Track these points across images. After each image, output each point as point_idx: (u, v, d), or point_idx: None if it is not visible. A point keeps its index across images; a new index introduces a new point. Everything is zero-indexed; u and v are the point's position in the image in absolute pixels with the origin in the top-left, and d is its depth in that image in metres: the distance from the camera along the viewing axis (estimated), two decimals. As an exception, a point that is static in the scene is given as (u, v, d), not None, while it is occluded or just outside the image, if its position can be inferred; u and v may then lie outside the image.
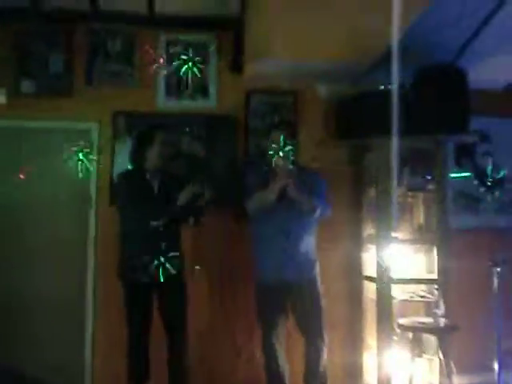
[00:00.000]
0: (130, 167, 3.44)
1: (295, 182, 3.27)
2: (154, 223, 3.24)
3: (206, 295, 3.81)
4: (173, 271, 3.23)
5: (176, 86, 3.91)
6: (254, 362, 3.72)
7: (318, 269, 3.45)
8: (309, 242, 3.42)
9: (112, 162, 3.82)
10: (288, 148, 3.36)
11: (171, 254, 3.24)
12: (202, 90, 3.93)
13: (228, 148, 3.91)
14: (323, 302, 3.41)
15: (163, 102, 3.90)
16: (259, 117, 3.96)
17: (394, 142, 3.35)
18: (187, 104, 3.92)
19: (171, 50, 3.87)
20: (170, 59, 3.84)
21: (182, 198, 3.25)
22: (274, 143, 3.42)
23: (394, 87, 3.31)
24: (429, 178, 3.72)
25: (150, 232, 3.24)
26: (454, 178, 3.97)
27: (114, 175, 3.70)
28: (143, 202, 3.29)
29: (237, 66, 3.90)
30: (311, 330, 3.41)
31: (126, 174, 3.44)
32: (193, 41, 3.90)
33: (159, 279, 3.19)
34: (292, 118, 3.97)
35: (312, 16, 3.08)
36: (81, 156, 3.66)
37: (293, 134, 3.52)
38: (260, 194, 3.34)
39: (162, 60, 3.86)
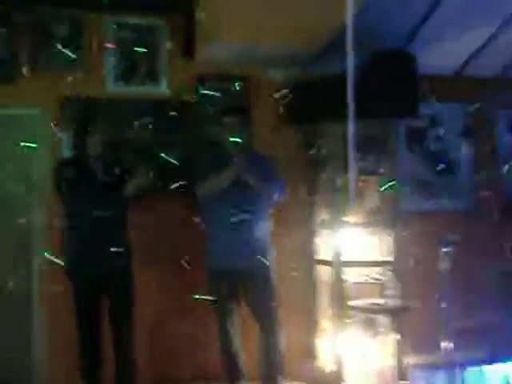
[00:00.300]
0: (70, 154, 3.34)
1: (250, 168, 3.25)
2: (97, 212, 3.10)
3: (158, 285, 3.76)
4: (120, 262, 3.18)
5: (125, 70, 3.82)
6: (210, 350, 3.71)
7: (271, 254, 3.44)
8: (262, 228, 3.40)
9: (58, 149, 3.70)
10: (241, 133, 3.37)
11: (117, 244, 3.17)
12: (152, 75, 3.86)
13: (179, 134, 3.85)
14: (277, 288, 3.40)
15: (112, 88, 3.79)
16: (209, 103, 3.91)
17: (350, 126, 3.38)
18: (137, 89, 3.83)
19: (120, 34, 3.79)
20: (119, 43, 3.83)
21: (130, 189, 3.19)
22: (227, 128, 3.42)
23: (350, 71, 3.33)
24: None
25: (95, 222, 3.12)
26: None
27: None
28: (85, 191, 3.17)
29: (188, 51, 3.84)
30: (265, 317, 3.38)
31: (64, 162, 3.34)
32: (142, 24, 3.83)
33: (106, 270, 3.14)
34: (244, 103, 3.95)
35: (260, 1, 3.07)
36: (25, 143, 3.60)
37: (246, 120, 3.50)
38: (212, 180, 3.30)
39: (110, 44, 3.80)
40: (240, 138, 3.35)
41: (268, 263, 3.40)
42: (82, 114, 3.43)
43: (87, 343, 3.26)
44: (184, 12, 3.78)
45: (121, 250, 3.17)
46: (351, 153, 3.45)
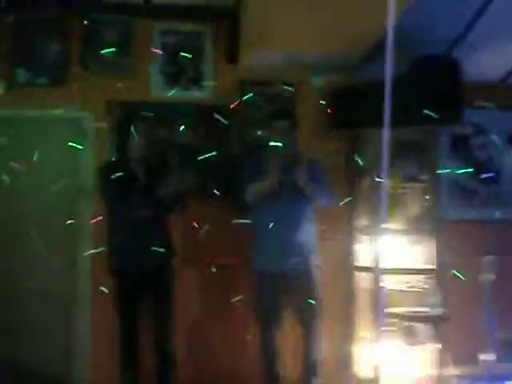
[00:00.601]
0: (113, 158, 3.43)
1: (303, 170, 3.28)
2: (137, 212, 3.20)
3: (199, 285, 3.81)
4: (161, 261, 3.26)
5: (171, 75, 3.90)
6: (246, 352, 3.73)
7: (317, 259, 3.46)
8: (308, 232, 3.42)
9: (107, 151, 3.80)
10: (290, 137, 3.39)
11: (159, 244, 3.24)
12: (197, 80, 3.93)
13: (223, 138, 3.90)
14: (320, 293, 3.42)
15: (157, 92, 3.88)
16: (254, 107, 3.96)
17: (385, 133, 3.36)
18: (182, 94, 3.90)
19: (166, 40, 3.88)
20: (165, 49, 3.92)
21: (164, 186, 3.25)
22: (275, 132, 3.45)
23: (387, 77, 3.32)
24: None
25: (137, 223, 3.21)
26: (450, 173, 3.98)
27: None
28: (127, 192, 3.24)
29: (232, 57, 3.89)
30: (308, 320, 3.41)
31: (108, 165, 3.43)
32: (188, 30, 3.91)
33: (148, 269, 3.21)
34: (291, 108, 3.96)
35: (305, 7, 3.09)
36: (76, 145, 3.72)
37: (294, 124, 3.51)
38: (254, 186, 3.35)
39: (157, 49, 3.89)
40: (288, 142, 3.38)
41: (314, 267, 3.43)
42: (125, 117, 3.50)
43: (128, 340, 3.33)
44: (229, 18, 3.85)
45: (162, 249, 3.24)
46: (385, 159, 3.45)
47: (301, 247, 3.37)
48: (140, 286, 3.33)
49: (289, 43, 3.49)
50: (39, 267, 3.77)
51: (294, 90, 3.99)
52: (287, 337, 3.51)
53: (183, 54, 3.85)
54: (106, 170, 3.36)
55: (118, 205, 3.29)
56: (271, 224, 3.29)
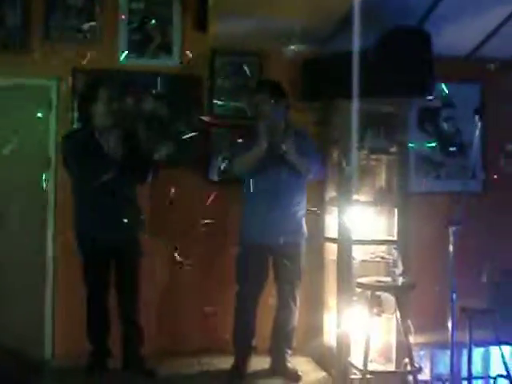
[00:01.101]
0: (76, 126, 3.35)
1: (291, 143, 3.26)
2: (103, 177, 3.14)
3: (169, 257, 3.78)
4: (128, 231, 3.24)
5: (139, 42, 3.81)
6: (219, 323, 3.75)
7: (305, 233, 3.49)
8: (298, 204, 3.42)
9: (72, 120, 3.72)
10: (279, 106, 3.37)
11: (126, 214, 3.22)
12: (165, 47, 3.85)
13: (192, 108, 3.85)
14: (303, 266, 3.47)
15: (125, 59, 3.79)
16: (224, 77, 3.91)
17: (355, 103, 3.39)
18: (150, 61, 3.83)
19: (133, 6, 3.78)
20: (132, 15, 3.81)
21: (135, 155, 3.22)
22: (262, 102, 3.40)
23: (356, 49, 3.32)
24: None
25: (104, 194, 3.17)
26: (418, 146, 4.03)
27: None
28: (92, 160, 3.16)
29: (201, 25, 3.81)
30: (288, 293, 3.44)
31: (72, 134, 3.35)
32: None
33: (114, 238, 3.19)
34: (257, 79, 3.93)
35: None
36: (39, 114, 3.62)
37: (279, 92, 3.45)
38: (241, 157, 3.32)
39: (123, 16, 3.78)
40: (275, 112, 3.35)
41: (303, 240, 3.46)
42: (90, 84, 3.39)
43: (95, 307, 3.33)
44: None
45: (128, 220, 3.22)
46: (354, 130, 3.47)
47: (291, 221, 3.38)
48: (106, 255, 3.30)
49: (257, 10, 3.43)
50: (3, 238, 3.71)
51: (259, 59, 3.94)
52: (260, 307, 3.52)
53: (150, 20, 3.76)
54: (70, 140, 3.28)
55: (83, 176, 3.21)
56: (258, 196, 3.30)
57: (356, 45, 3.39)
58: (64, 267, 3.70)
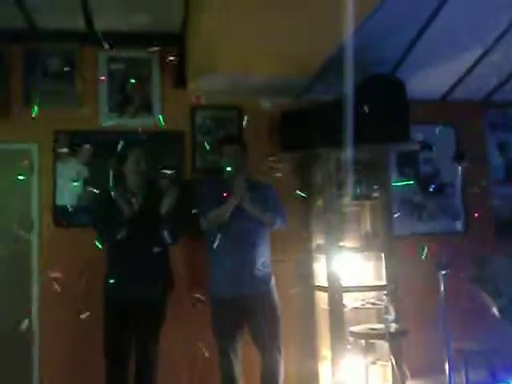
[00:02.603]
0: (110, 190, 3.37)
1: (249, 196, 3.31)
2: (116, 236, 3.19)
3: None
4: (155, 292, 3.26)
5: (119, 103, 3.85)
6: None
7: (273, 281, 3.46)
8: (264, 254, 3.42)
9: (54, 182, 3.72)
10: (240, 162, 3.40)
11: (155, 275, 3.25)
12: (145, 106, 3.89)
13: (175, 164, 3.87)
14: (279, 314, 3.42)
15: (106, 120, 3.81)
16: (205, 132, 3.96)
17: (349, 151, 3.46)
18: (131, 121, 3.85)
19: (112, 67, 3.83)
20: (111, 76, 3.86)
21: (165, 206, 3.26)
22: (226, 157, 3.45)
23: (347, 97, 3.40)
24: (375, 187, 3.79)
25: (138, 256, 3.21)
26: (397, 185, 4.09)
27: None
28: (127, 225, 3.22)
29: (180, 82, 3.88)
30: (268, 343, 3.38)
31: (106, 197, 3.35)
32: (135, 57, 3.87)
33: (140, 303, 3.20)
34: (237, 132, 3.99)
35: (252, 32, 3.12)
36: (21, 178, 3.60)
37: (243, 148, 3.53)
38: (216, 211, 3.34)
39: (103, 77, 3.83)
40: (238, 167, 3.40)
41: (272, 289, 3.43)
42: (123, 147, 3.44)
43: (116, 368, 3.29)
44: (176, 43, 3.84)
45: (156, 281, 3.27)
46: (350, 177, 3.50)
47: (256, 271, 3.36)
48: (130, 314, 3.27)
49: (235, 67, 3.52)
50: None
51: (238, 114, 4.00)
52: (249, 362, 3.46)
53: (131, 81, 3.81)
54: (105, 203, 3.33)
55: (117, 237, 3.23)
56: (224, 250, 3.29)
57: (336, 94, 3.47)
58: (51, 335, 3.62)
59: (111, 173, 3.40)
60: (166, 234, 3.30)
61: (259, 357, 3.39)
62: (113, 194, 3.29)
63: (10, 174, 3.63)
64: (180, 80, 3.88)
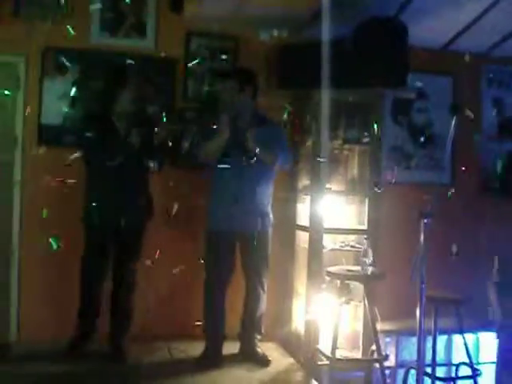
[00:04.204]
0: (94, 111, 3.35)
1: (253, 131, 3.27)
2: (110, 163, 3.15)
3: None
4: (136, 219, 3.28)
5: (111, 22, 3.70)
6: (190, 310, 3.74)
7: (271, 220, 3.48)
8: (263, 193, 3.42)
9: (40, 100, 3.62)
10: (233, 97, 3.35)
11: (134, 200, 3.25)
12: (139, 28, 3.75)
13: (166, 92, 3.78)
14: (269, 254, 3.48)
15: (97, 39, 3.68)
16: (199, 60, 3.84)
17: (325, 93, 3.39)
18: (123, 42, 3.72)
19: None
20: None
21: (135, 136, 3.21)
22: (228, 90, 3.38)
23: (326, 39, 3.31)
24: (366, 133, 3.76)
25: (117, 178, 3.18)
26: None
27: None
28: (107, 142, 3.18)
29: (177, 6, 3.72)
30: (256, 279, 3.46)
31: (91, 115, 3.36)
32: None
33: (123, 227, 3.20)
34: (232, 61, 3.89)
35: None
36: (6, 92, 3.51)
37: (242, 84, 3.41)
38: (207, 144, 3.30)
39: (96, -8, 3.66)
40: (230, 102, 3.35)
41: (269, 227, 3.46)
42: (116, 70, 3.36)
43: (90, 290, 3.35)
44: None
45: (136, 205, 3.28)
46: (325, 119, 3.47)
47: (256, 208, 3.37)
48: (110, 239, 3.32)
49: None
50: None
51: (235, 44, 3.88)
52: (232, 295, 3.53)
53: (125, -1, 3.66)
54: (88, 121, 3.31)
55: (97, 158, 3.22)
56: (224, 184, 3.29)
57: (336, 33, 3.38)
58: (29, 251, 3.63)
59: (104, 93, 3.32)
60: (152, 161, 3.28)
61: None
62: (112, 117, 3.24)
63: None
64: (176, 3, 3.72)
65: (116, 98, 3.26)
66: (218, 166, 3.29)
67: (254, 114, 3.44)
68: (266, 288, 3.53)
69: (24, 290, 3.67)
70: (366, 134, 3.72)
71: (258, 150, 3.26)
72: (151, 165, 3.33)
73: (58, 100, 3.62)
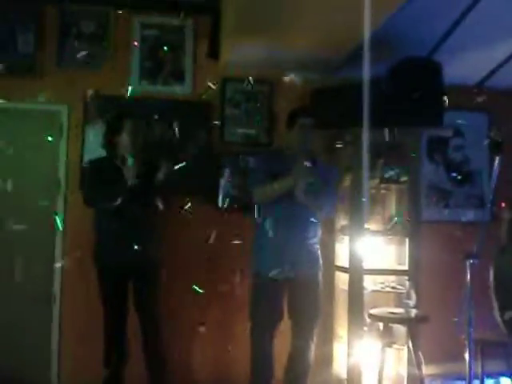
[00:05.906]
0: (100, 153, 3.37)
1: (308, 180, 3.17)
2: (112, 203, 3.17)
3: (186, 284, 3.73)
4: (147, 259, 3.24)
5: (150, 70, 3.81)
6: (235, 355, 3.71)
7: (321, 264, 3.38)
8: (314, 234, 3.33)
9: (82, 145, 3.72)
10: (310, 137, 3.31)
11: (145, 240, 3.22)
12: (177, 75, 3.85)
13: (202, 135, 3.84)
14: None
15: (136, 86, 3.78)
16: (234, 105, 3.92)
17: (365, 133, 3.37)
18: (161, 89, 3.83)
19: (146, 33, 3.79)
20: (144, 42, 3.82)
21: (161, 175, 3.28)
22: (298, 130, 3.32)
23: (366, 79, 3.32)
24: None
25: (125, 221, 3.20)
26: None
27: (85, 160, 3.64)
28: (109, 183, 3.20)
29: (213, 53, 3.82)
30: (306, 329, 3.30)
31: (97, 161, 3.38)
32: (169, 24, 3.82)
33: (133, 267, 3.19)
34: (268, 106, 3.95)
35: (289, 5, 3.05)
36: (50, 139, 3.62)
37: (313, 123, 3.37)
38: (276, 183, 3.19)
39: (136, 42, 3.79)
40: (307, 143, 3.31)
41: (318, 274, 3.35)
42: (115, 115, 3.41)
43: (113, 335, 3.31)
44: (211, 12, 3.77)
45: (147, 245, 3.25)
46: (365, 159, 3.46)
47: (307, 252, 3.29)
48: (126, 283, 3.30)
49: (269, 39, 3.44)
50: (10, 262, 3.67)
51: (270, 88, 3.94)
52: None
53: (164, 48, 3.77)
54: (93, 164, 3.36)
55: (98, 197, 3.25)
56: (272, 228, 3.18)
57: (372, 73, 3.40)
58: (71, 289, 3.69)
59: (103, 140, 3.36)
60: (158, 200, 3.32)
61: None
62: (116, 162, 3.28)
63: (40, 134, 3.62)
64: (213, 51, 3.82)
65: (116, 142, 3.30)
66: (270, 206, 3.20)
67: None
68: (315, 339, 3.33)
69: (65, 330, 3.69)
70: (403, 172, 3.71)
71: (305, 201, 3.17)
72: (157, 204, 3.33)
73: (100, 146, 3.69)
